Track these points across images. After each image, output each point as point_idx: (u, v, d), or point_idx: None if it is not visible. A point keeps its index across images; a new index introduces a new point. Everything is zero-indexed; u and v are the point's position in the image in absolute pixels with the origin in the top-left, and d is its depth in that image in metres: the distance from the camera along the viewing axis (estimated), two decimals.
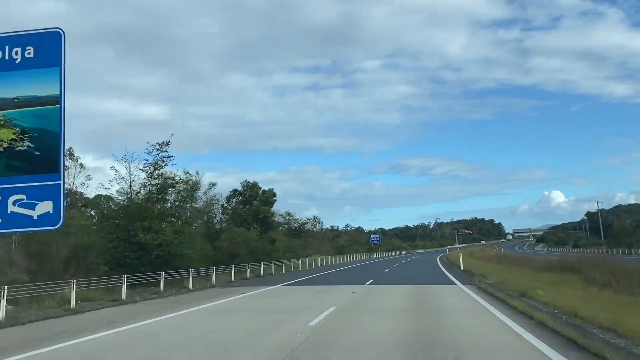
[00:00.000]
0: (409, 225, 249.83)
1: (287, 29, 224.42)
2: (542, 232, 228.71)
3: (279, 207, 64.37)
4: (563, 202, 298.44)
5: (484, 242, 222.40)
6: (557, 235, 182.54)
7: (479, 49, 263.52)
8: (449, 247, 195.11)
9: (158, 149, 27.00)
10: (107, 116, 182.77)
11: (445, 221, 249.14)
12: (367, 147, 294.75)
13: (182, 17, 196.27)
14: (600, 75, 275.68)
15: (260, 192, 49.10)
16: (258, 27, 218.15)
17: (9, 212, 9.94)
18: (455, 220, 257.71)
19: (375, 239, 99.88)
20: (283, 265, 41.40)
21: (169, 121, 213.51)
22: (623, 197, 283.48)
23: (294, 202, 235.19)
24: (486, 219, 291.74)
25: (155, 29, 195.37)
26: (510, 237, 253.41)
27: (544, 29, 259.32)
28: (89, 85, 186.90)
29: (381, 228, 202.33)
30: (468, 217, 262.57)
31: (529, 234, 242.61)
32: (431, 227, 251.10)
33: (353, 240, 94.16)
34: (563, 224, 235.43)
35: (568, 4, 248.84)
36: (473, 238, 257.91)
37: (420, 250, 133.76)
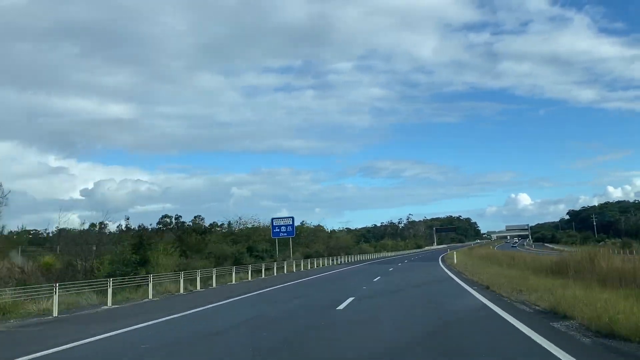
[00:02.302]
0: (377, 225, 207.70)
1: (258, 28, 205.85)
2: (526, 232, 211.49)
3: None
4: (530, 204, 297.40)
5: (478, 240, 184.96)
6: (568, 235, 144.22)
7: (449, 52, 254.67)
8: (430, 247, 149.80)
9: None
10: (71, 114, 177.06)
11: (417, 219, 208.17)
12: (339, 149, 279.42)
13: (150, 14, 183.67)
14: (567, 80, 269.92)
15: None
16: (228, 26, 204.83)
17: None
18: (429, 218, 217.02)
19: (281, 230, 44.18)
20: None
21: (135, 120, 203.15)
22: (587, 199, 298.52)
23: (265, 204, 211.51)
24: (463, 217, 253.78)
25: (122, 26, 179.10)
26: (494, 236, 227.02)
27: (513, 33, 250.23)
28: (53, 82, 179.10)
29: (347, 228, 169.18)
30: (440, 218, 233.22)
31: (507, 234, 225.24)
32: (402, 225, 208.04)
33: (242, 237, 43.70)
34: (539, 224, 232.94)
35: (537, 8, 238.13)
36: (452, 238, 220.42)
37: (389, 255, 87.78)
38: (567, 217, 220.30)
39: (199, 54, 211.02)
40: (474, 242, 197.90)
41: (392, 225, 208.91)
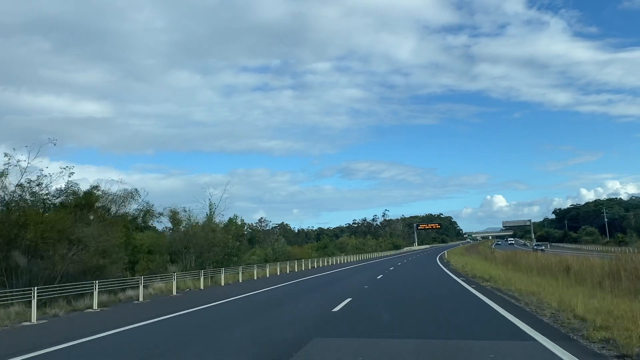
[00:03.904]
0: (351, 224, 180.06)
1: (235, 26, 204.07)
2: (510, 232, 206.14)
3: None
4: (505, 206, 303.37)
5: (469, 240, 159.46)
6: (587, 232, 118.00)
7: (427, 54, 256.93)
8: (410, 248, 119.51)
9: None
10: (42, 112, 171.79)
11: (394, 218, 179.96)
12: (316, 150, 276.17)
13: (125, 10, 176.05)
14: (542, 83, 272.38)
15: None
16: (204, 24, 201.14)
17: None
18: (407, 216, 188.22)
19: None
20: None
21: (109, 119, 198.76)
22: (560, 201, 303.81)
23: (241, 205, 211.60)
24: (444, 214, 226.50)
25: (95, 22, 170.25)
26: (479, 237, 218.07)
27: (490, 35, 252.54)
28: (23, 78, 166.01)
29: (319, 228, 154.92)
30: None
31: (487, 234, 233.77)
32: (377, 223, 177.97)
33: None
34: (520, 224, 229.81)
35: (513, 11, 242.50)
36: (433, 237, 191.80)
37: (340, 265, 48.21)
38: (553, 216, 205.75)
39: (175, 52, 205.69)
40: (463, 241, 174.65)
41: (365, 223, 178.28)
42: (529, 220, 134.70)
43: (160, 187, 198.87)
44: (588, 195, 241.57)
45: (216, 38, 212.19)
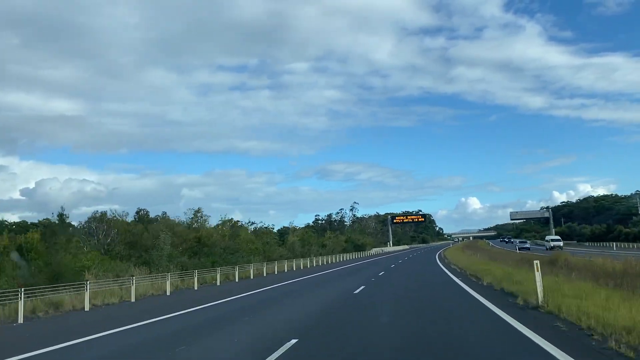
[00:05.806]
0: (319, 221, 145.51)
1: (212, 24, 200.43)
2: (493, 232, 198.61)
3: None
4: (479, 208, 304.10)
5: (459, 240, 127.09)
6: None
7: (405, 56, 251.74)
8: (384, 250, 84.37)
9: None
10: (12, 110, 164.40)
11: (367, 215, 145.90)
12: (294, 150, 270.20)
13: (98, 5, 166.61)
14: (517, 86, 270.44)
15: None
16: (181, 21, 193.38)
17: None
18: (381, 213, 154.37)
19: None
20: None
21: (81, 117, 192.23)
22: (533, 204, 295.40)
23: (217, 206, 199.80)
24: (423, 211, 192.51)
25: (68, 16, 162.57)
26: (461, 237, 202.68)
27: (467, 38, 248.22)
28: None
29: (284, 227, 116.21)
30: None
31: (467, 234, 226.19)
32: (345, 218, 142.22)
33: None
34: (499, 225, 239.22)
35: (490, 14, 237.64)
36: (412, 237, 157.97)
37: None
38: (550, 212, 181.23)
39: (150, 49, 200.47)
40: (452, 241, 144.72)
41: (330, 220, 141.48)
42: (546, 210, 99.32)
43: (135, 187, 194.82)
44: (560, 198, 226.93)
45: (192, 36, 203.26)
